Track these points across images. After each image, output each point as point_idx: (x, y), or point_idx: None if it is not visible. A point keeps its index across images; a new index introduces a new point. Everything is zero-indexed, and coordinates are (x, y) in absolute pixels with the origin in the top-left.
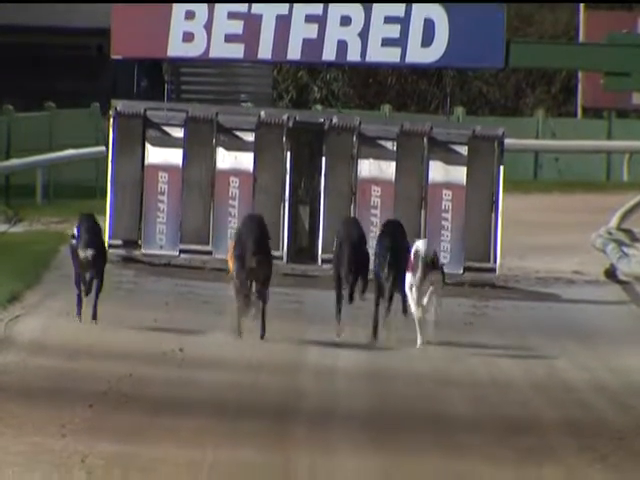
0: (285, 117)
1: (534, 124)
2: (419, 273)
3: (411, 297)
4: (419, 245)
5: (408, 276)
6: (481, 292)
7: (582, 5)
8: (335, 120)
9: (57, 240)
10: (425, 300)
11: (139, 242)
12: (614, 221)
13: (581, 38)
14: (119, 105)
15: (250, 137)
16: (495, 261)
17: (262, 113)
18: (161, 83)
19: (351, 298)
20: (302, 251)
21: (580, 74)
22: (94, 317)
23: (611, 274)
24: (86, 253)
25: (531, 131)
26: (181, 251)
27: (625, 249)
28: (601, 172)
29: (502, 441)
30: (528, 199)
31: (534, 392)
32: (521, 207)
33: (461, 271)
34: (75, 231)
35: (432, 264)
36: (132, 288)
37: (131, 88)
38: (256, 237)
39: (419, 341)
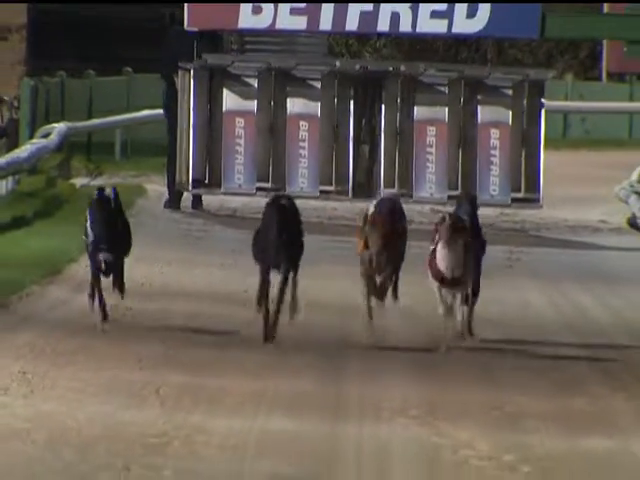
0: (354, 66)
1: (563, 87)
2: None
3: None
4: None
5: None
6: (515, 239)
7: None
8: (395, 68)
9: (133, 192)
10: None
11: (220, 182)
12: (635, 175)
13: (605, 9)
14: (202, 59)
15: (318, 84)
16: (539, 192)
17: (337, 63)
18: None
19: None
20: (361, 186)
21: (605, 42)
22: (121, 290)
23: (632, 223)
24: (104, 257)
25: (561, 94)
26: (257, 189)
27: None
28: (624, 131)
29: (537, 375)
30: (558, 155)
31: (565, 330)
32: (551, 162)
33: (509, 201)
34: (88, 223)
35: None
36: (201, 236)
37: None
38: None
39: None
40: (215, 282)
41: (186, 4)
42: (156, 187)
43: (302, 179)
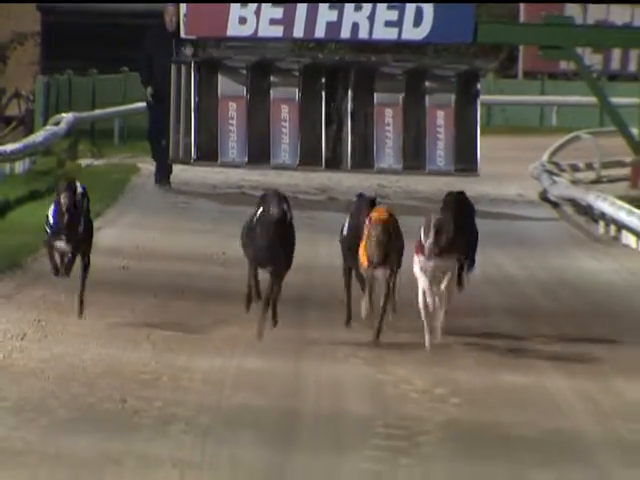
0: (329, 58)
1: (486, 84)
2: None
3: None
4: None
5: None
6: None
7: None
8: (355, 59)
9: (129, 171)
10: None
11: (217, 156)
12: (546, 156)
13: (521, 19)
14: (201, 51)
15: (297, 74)
16: (477, 163)
17: (320, 55)
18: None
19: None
20: (331, 159)
21: (521, 46)
22: (80, 312)
23: (544, 197)
24: (60, 245)
25: (484, 89)
26: (248, 161)
27: (554, 177)
28: (536, 120)
29: (463, 322)
30: (483, 140)
31: (487, 284)
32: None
33: (453, 170)
34: (51, 213)
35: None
36: (185, 207)
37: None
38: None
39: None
40: (197, 245)
41: (184, 17)
42: (148, 166)
43: (284, 153)
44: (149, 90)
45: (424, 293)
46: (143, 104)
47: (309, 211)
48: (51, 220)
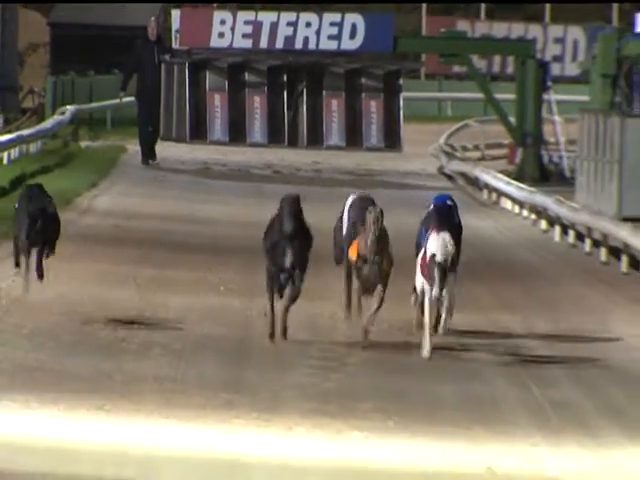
0: (282, 61)
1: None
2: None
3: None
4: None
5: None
6: (367, 180)
7: (424, 11)
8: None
9: (119, 151)
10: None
11: (206, 135)
12: (443, 139)
13: (424, 32)
14: (194, 56)
15: (266, 72)
16: (400, 141)
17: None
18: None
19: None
20: (292, 139)
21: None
22: (40, 276)
23: (441, 171)
24: (26, 244)
25: None
26: (229, 140)
27: (449, 156)
28: (435, 111)
29: None
30: None
31: (397, 239)
32: None
33: (383, 146)
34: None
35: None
36: (162, 179)
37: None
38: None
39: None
40: (172, 208)
41: (176, 32)
42: (133, 147)
43: (256, 134)
44: (122, 94)
45: (430, 301)
46: (132, 98)
47: (258, 182)
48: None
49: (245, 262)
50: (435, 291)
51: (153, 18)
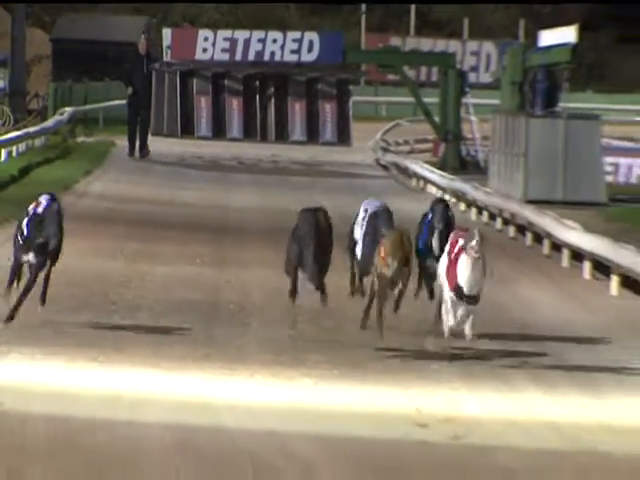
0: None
1: None
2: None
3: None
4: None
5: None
6: (316, 170)
7: (364, 29)
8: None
9: (109, 145)
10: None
11: (194, 131)
12: (379, 136)
13: (363, 47)
14: (184, 65)
15: (242, 79)
16: (350, 137)
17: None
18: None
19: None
20: (263, 135)
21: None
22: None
23: (378, 162)
24: (28, 257)
25: None
26: (212, 135)
27: (384, 149)
28: (373, 112)
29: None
30: None
31: (338, 218)
32: None
33: (336, 141)
34: (24, 223)
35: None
36: (146, 168)
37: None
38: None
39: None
40: (154, 193)
41: (167, 47)
42: (122, 142)
43: (234, 130)
44: (129, 89)
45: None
46: (120, 101)
47: (226, 172)
48: (24, 230)
49: (216, 238)
50: (452, 321)
51: (143, 35)
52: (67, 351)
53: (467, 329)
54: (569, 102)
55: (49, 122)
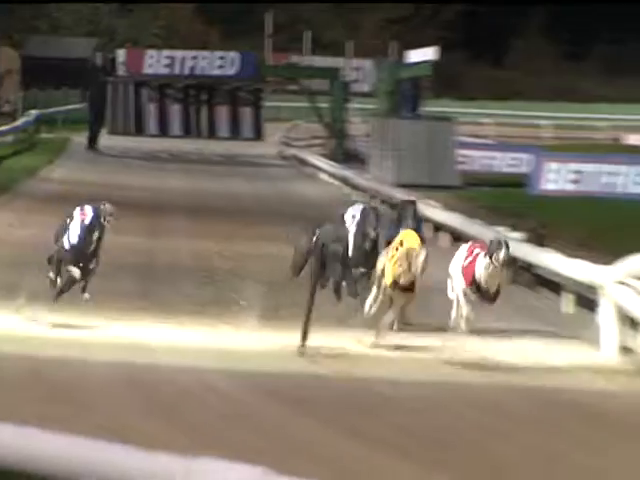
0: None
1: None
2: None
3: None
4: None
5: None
6: (229, 162)
7: (271, 48)
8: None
9: (66, 141)
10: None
11: (145, 130)
12: (281, 133)
13: (270, 62)
14: (135, 77)
15: (181, 88)
16: (262, 134)
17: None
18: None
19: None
20: (199, 133)
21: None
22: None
23: (282, 155)
24: (74, 270)
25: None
26: (159, 134)
27: (286, 145)
28: (276, 114)
29: (232, 210)
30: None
31: (250, 198)
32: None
33: (253, 137)
34: (71, 231)
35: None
36: (98, 159)
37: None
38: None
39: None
40: (105, 179)
41: (123, 63)
42: (76, 138)
43: (176, 129)
44: (88, 96)
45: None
46: (75, 106)
47: (159, 162)
48: (75, 240)
49: (150, 214)
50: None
51: (99, 53)
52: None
53: (463, 324)
54: (430, 107)
55: (18, 122)
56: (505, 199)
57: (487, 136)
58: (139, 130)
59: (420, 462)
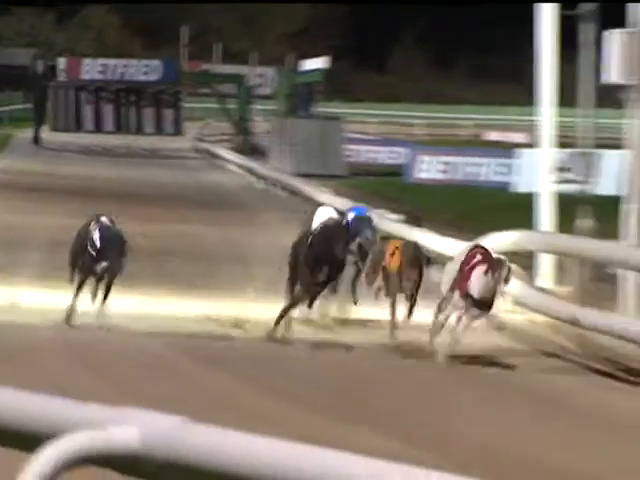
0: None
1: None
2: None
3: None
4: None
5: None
6: (158, 155)
7: (187, 57)
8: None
9: (10, 137)
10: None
11: (83, 127)
12: (195, 130)
13: (185, 69)
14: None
15: (114, 91)
16: (181, 130)
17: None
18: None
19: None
20: (128, 129)
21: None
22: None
23: (196, 148)
24: (100, 266)
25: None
26: (95, 130)
27: (199, 140)
28: (191, 114)
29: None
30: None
31: (173, 187)
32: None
33: (176, 133)
34: (95, 238)
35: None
36: (39, 152)
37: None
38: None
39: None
40: (45, 169)
41: (62, 70)
42: (19, 134)
43: (109, 126)
44: (31, 98)
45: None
46: (18, 106)
47: (91, 155)
48: (97, 243)
49: (84, 200)
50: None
51: (40, 61)
52: None
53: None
54: (322, 108)
55: None
56: (385, 186)
57: (371, 133)
58: (78, 127)
59: (315, 408)
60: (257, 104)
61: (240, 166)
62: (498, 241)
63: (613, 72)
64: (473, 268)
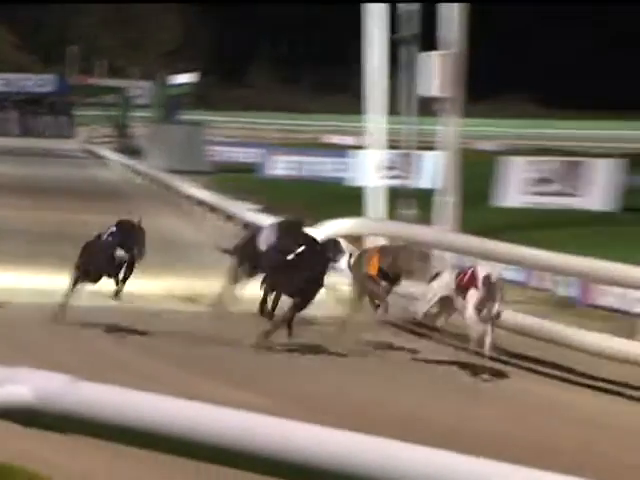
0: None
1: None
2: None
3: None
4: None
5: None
6: (54, 154)
7: (76, 72)
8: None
9: None
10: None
11: None
12: (85, 134)
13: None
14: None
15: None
16: (74, 134)
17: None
18: None
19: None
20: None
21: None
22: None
23: (83, 149)
24: (120, 255)
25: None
26: (2, 134)
27: (89, 143)
28: (82, 120)
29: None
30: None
31: (88, 182)
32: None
33: (66, 135)
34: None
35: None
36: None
37: None
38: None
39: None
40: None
41: None
42: None
43: (17, 130)
44: None
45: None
46: None
47: (17, 155)
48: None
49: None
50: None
51: None
52: None
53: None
54: (190, 116)
55: None
56: (244, 181)
57: (231, 136)
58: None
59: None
60: (136, 112)
61: (122, 164)
62: (337, 227)
63: (430, 87)
64: (469, 285)
